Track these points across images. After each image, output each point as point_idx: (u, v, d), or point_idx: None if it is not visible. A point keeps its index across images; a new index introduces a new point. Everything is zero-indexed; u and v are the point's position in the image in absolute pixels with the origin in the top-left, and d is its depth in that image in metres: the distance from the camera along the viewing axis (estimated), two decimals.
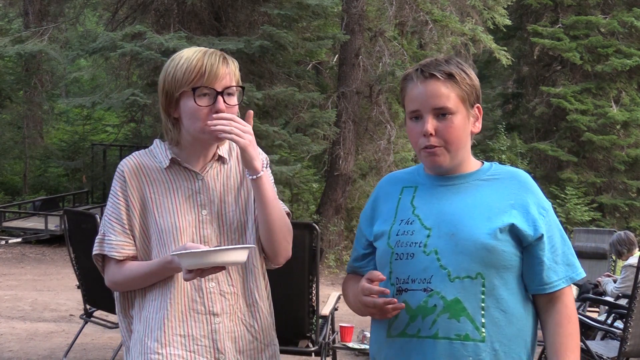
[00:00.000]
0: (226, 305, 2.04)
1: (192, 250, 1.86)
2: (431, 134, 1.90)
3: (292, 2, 11.33)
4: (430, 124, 1.90)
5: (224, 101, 2.02)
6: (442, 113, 1.90)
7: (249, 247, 1.95)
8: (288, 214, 2.15)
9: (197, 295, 2.02)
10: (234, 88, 2.05)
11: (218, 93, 2.01)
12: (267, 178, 2.06)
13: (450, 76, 1.90)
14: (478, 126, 1.97)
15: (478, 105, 1.97)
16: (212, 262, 1.85)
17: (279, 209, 2.07)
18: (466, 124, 1.93)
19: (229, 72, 2.04)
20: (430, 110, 1.90)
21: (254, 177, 2.02)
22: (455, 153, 1.93)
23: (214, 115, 1.99)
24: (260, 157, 2.04)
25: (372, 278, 1.88)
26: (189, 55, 2.03)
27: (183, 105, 2.03)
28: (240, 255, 1.89)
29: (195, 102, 2.00)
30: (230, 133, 1.98)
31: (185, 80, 2.00)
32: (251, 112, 2.09)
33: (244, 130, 2.00)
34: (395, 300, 1.87)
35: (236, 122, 2.00)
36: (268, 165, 2.17)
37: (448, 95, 1.90)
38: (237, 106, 2.07)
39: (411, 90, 1.94)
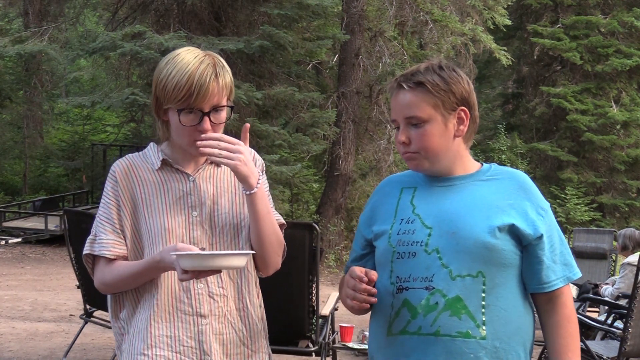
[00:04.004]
0: (214, 307, 2.02)
1: (193, 252, 1.85)
2: (404, 142, 1.95)
3: (292, 2, 11.33)
4: (403, 133, 1.95)
5: (211, 120, 1.99)
6: (413, 122, 1.94)
7: (249, 253, 1.95)
8: (282, 225, 2.13)
9: (185, 296, 2.01)
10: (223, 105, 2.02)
11: (204, 114, 1.98)
12: (262, 193, 2.03)
13: (419, 85, 1.93)
14: (463, 129, 1.97)
15: (463, 108, 1.96)
16: (211, 266, 1.84)
17: (271, 224, 2.05)
18: (443, 130, 1.94)
19: (220, 90, 1.99)
20: (403, 119, 1.96)
21: (248, 192, 2.00)
22: (435, 159, 1.96)
23: (202, 136, 1.97)
24: (254, 173, 2.01)
25: (370, 277, 1.88)
26: (182, 66, 1.97)
27: (170, 116, 2.02)
28: (240, 261, 1.88)
29: (180, 121, 1.99)
30: (219, 156, 1.95)
31: (174, 97, 1.97)
32: (247, 126, 2.06)
33: (233, 150, 1.96)
34: (376, 291, 1.87)
35: (225, 142, 1.97)
36: (264, 171, 2.15)
37: (417, 104, 1.93)
38: (223, 124, 2.04)
39: (391, 101, 2.01)
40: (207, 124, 1.98)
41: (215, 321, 2.02)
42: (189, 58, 1.99)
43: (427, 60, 2.06)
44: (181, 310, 2.01)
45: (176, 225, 2.02)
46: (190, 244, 2.01)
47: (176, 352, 2.00)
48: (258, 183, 2.01)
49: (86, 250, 2.09)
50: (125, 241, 2.06)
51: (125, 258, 2.06)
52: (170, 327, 2.00)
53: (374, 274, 1.88)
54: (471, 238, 1.88)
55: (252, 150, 2.13)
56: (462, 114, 1.97)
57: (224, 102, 2.02)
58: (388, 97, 13.90)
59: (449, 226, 1.91)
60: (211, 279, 2.02)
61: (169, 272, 2.00)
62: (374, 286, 1.88)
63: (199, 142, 1.96)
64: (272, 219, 2.07)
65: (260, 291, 2.15)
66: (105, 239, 2.05)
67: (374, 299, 1.87)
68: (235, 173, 1.99)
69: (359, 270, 1.88)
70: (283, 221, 2.15)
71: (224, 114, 2.03)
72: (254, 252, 2.02)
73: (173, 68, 1.99)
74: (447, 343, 1.86)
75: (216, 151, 1.95)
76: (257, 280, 2.13)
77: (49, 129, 19.81)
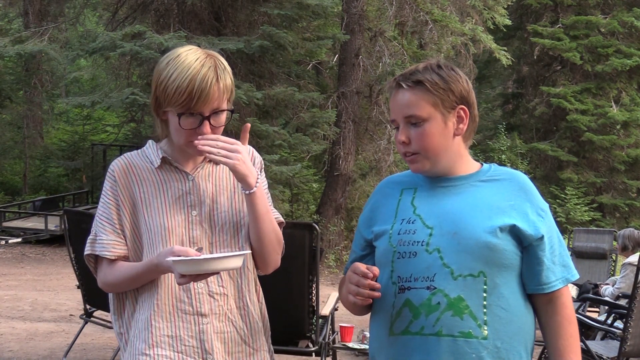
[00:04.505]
0: (215, 306, 2.02)
1: (188, 258, 1.85)
2: (404, 142, 1.95)
3: (292, 2, 11.33)
4: (403, 133, 1.95)
5: (210, 124, 1.98)
6: (413, 121, 1.94)
7: (244, 253, 1.94)
8: (281, 224, 2.13)
9: (185, 295, 2.01)
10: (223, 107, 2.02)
11: (204, 118, 1.98)
12: (261, 192, 2.03)
13: (418, 83, 1.93)
14: (462, 128, 1.98)
15: (462, 107, 1.96)
16: (207, 270, 1.85)
17: (270, 222, 2.05)
18: (443, 128, 1.95)
19: (220, 94, 1.98)
20: (402, 119, 1.95)
21: (247, 192, 2.00)
22: (436, 158, 1.96)
23: (199, 137, 1.97)
24: (253, 173, 2.01)
25: (374, 273, 1.88)
26: (183, 69, 1.95)
27: (170, 117, 2.02)
28: (235, 262, 1.88)
29: (180, 124, 1.98)
30: (217, 154, 1.95)
31: (174, 101, 1.95)
32: (248, 125, 2.06)
33: (231, 149, 1.96)
34: (379, 286, 1.87)
35: (222, 142, 1.97)
36: (262, 169, 2.15)
37: (417, 103, 1.93)
38: (222, 127, 2.03)
39: (390, 101, 2.00)
40: (206, 127, 1.98)
41: (216, 320, 2.02)
42: (190, 60, 1.97)
43: (426, 60, 2.06)
44: (182, 310, 2.01)
45: (175, 225, 2.02)
46: (189, 244, 2.01)
47: (178, 352, 2.00)
48: (257, 182, 2.01)
49: (87, 250, 2.09)
50: (126, 241, 2.06)
51: (126, 257, 2.06)
52: (171, 326, 2.00)
53: (376, 270, 1.88)
54: (472, 238, 1.88)
55: (251, 148, 2.13)
56: (462, 112, 1.97)
57: (224, 106, 2.01)
58: (388, 97, 13.88)
59: (450, 226, 1.91)
60: (211, 277, 2.01)
61: (165, 274, 2.00)
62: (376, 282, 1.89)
63: (196, 142, 1.96)
64: (271, 217, 2.07)
65: (260, 289, 2.15)
66: (106, 240, 2.05)
67: (377, 294, 1.87)
68: (234, 172, 1.98)
69: (362, 266, 1.88)
70: (282, 219, 2.15)
71: (223, 117, 2.02)
72: (249, 252, 2.02)
73: (174, 70, 1.96)
74: (450, 343, 1.86)
75: (214, 150, 1.95)
76: (256, 279, 2.13)
77: (49, 129, 19.82)
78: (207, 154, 1.97)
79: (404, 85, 1.94)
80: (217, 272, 1.91)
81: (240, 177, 1.98)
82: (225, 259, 1.86)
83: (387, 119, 13.21)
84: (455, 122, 1.96)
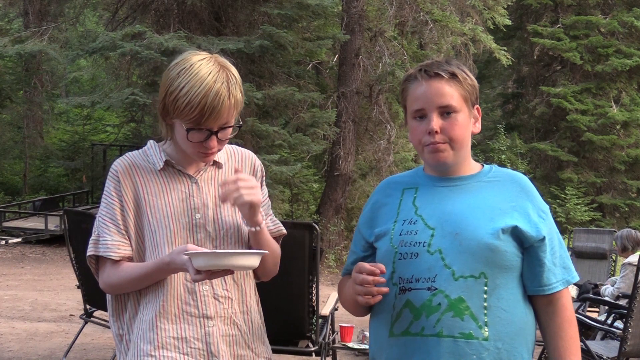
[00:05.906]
0: (220, 309, 2.02)
1: (207, 251, 1.84)
2: (436, 132, 1.92)
3: (292, 2, 11.34)
4: (436, 122, 1.92)
5: (217, 137, 1.98)
6: (446, 111, 1.93)
7: (262, 252, 1.93)
8: (281, 236, 2.17)
9: (191, 298, 2.00)
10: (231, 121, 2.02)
11: (212, 133, 1.97)
12: (265, 230, 2.06)
13: (453, 75, 1.94)
14: (478, 127, 2.01)
15: (477, 106, 2.00)
16: (225, 265, 1.83)
17: (271, 247, 2.08)
18: (468, 123, 1.97)
19: (230, 111, 1.96)
20: (435, 108, 1.93)
21: (254, 229, 2.02)
22: (459, 151, 1.96)
23: (221, 184, 1.99)
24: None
25: (380, 269, 1.87)
26: (195, 82, 1.92)
27: (177, 126, 2.00)
28: (253, 261, 1.87)
29: (187, 138, 1.97)
30: (241, 196, 1.95)
31: (184, 115, 1.93)
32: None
33: (251, 186, 1.97)
34: (385, 281, 1.87)
35: (242, 181, 1.96)
36: (264, 177, 2.17)
37: (452, 94, 1.93)
38: (228, 140, 2.04)
39: (414, 90, 1.96)
40: (214, 142, 1.98)
41: (222, 323, 2.02)
42: (203, 73, 1.93)
43: (438, 56, 2.06)
44: (187, 312, 2.00)
45: (180, 227, 2.01)
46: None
47: (184, 354, 1.99)
48: (262, 217, 2.03)
49: (90, 251, 2.06)
50: (130, 241, 2.04)
51: (130, 258, 2.04)
52: (177, 328, 1.99)
53: (382, 266, 1.87)
54: (474, 239, 1.88)
55: (253, 157, 2.15)
56: (477, 111, 2.00)
57: (233, 122, 2.00)
58: (388, 97, 13.95)
59: (452, 227, 1.91)
60: (215, 281, 2.01)
61: (175, 273, 1.99)
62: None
63: (222, 195, 1.97)
64: (273, 242, 2.10)
65: (258, 298, 2.16)
66: (110, 240, 2.02)
67: (386, 289, 1.87)
68: (253, 206, 1.98)
69: (368, 265, 1.88)
70: (284, 231, 2.17)
71: (230, 130, 2.02)
72: (267, 252, 2.01)
73: (186, 82, 1.93)
74: (450, 344, 1.85)
75: (236, 195, 1.95)
76: (255, 288, 2.15)
77: (49, 129, 19.81)
78: (232, 203, 1.98)
79: (444, 74, 1.93)
80: (232, 271, 1.90)
81: (253, 212, 1.99)
82: (244, 256, 1.85)
83: (387, 119, 13.22)
84: (473, 120, 1.99)
